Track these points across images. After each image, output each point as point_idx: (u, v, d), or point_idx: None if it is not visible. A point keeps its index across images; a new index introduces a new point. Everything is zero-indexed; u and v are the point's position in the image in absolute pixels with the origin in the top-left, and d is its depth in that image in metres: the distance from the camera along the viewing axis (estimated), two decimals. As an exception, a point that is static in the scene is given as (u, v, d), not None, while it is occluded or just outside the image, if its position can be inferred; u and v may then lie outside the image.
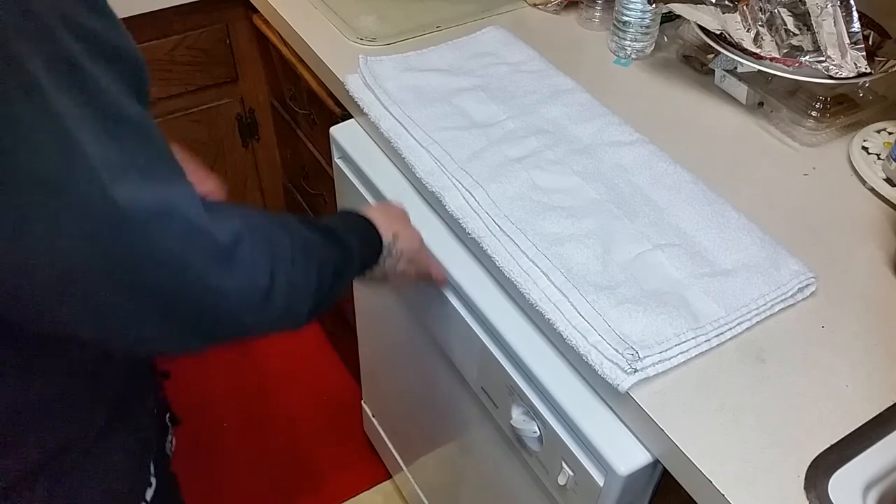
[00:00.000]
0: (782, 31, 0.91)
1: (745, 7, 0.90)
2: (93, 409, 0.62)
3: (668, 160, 0.85)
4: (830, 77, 0.88)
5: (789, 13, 0.90)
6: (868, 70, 0.86)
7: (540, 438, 0.74)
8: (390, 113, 0.91)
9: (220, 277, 0.48)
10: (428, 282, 0.82)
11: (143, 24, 1.22)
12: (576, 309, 0.68)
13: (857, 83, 0.90)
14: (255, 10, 1.25)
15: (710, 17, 0.93)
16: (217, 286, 0.48)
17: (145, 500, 0.69)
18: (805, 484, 0.58)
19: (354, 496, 1.49)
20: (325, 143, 1.29)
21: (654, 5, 0.99)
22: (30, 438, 0.57)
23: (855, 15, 0.84)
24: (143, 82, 0.48)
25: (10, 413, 0.55)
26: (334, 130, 1.01)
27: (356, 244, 0.68)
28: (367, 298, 1.17)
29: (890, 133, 0.92)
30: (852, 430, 0.62)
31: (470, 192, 0.80)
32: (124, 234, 0.43)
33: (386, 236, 0.73)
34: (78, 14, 0.43)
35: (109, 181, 0.42)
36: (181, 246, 0.46)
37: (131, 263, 0.44)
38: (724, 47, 0.93)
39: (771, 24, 0.91)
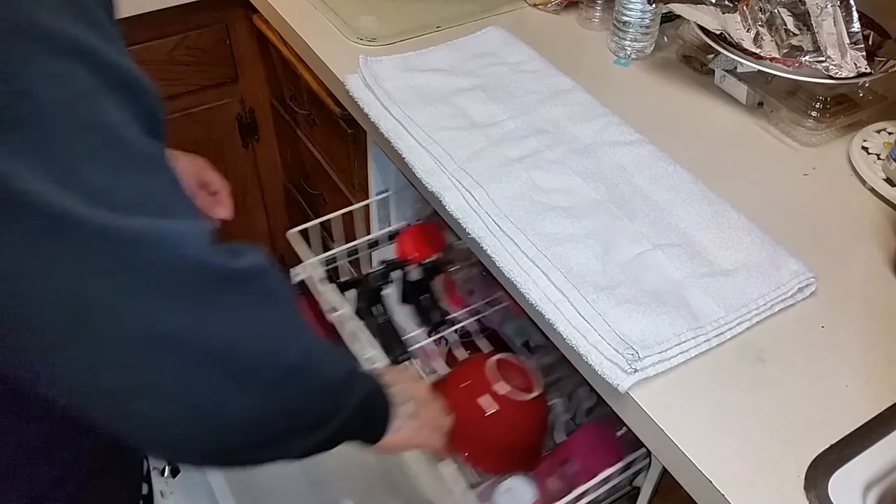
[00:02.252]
0: (782, 31, 0.91)
1: (744, 7, 0.90)
2: (78, 458, 0.60)
3: (667, 160, 0.85)
4: (830, 77, 0.88)
5: (789, 13, 0.90)
6: (868, 70, 0.86)
7: None
8: (390, 113, 0.91)
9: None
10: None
11: (142, 24, 1.22)
12: (576, 309, 0.68)
13: (857, 83, 0.90)
14: (255, 10, 1.25)
15: (709, 17, 0.93)
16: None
17: None
18: (805, 484, 0.58)
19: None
20: (326, 142, 1.30)
21: (654, 5, 0.99)
22: (15, 485, 0.55)
23: (855, 15, 0.84)
24: (156, 117, 0.47)
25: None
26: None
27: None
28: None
29: (890, 133, 0.92)
30: (852, 429, 0.62)
31: (470, 192, 0.80)
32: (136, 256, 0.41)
33: (399, 402, 0.67)
34: (70, 27, 0.41)
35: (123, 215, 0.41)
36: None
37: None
38: (724, 47, 0.93)
39: (771, 24, 0.91)
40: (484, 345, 1.06)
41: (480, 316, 1.07)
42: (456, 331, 1.06)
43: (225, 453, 0.50)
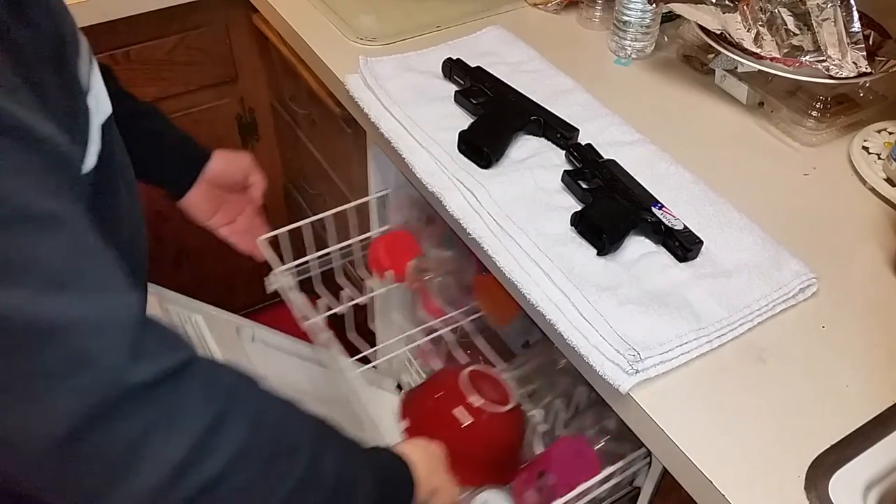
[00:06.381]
0: (782, 31, 0.91)
1: (745, 7, 0.90)
2: None
3: (668, 160, 0.85)
4: (831, 77, 0.88)
5: (789, 13, 0.90)
6: (868, 70, 0.86)
7: None
8: (390, 113, 0.91)
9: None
10: None
11: (142, 23, 1.22)
12: (577, 309, 0.68)
13: (858, 83, 0.90)
14: (256, 10, 1.25)
15: (710, 17, 0.93)
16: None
17: None
18: (805, 484, 0.58)
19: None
20: (326, 143, 1.30)
21: (654, 5, 0.99)
22: None
23: (855, 15, 0.84)
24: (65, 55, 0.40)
25: None
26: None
27: (371, 479, 0.56)
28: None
29: (890, 133, 0.92)
30: (853, 430, 0.62)
31: (472, 192, 0.80)
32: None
33: (421, 492, 0.63)
34: None
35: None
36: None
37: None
38: (724, 47, 0.93)
39: (771, 23, 0.91)
40: (482, 344, 1.06)
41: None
42: (454, 331, 1.06)
43: None
